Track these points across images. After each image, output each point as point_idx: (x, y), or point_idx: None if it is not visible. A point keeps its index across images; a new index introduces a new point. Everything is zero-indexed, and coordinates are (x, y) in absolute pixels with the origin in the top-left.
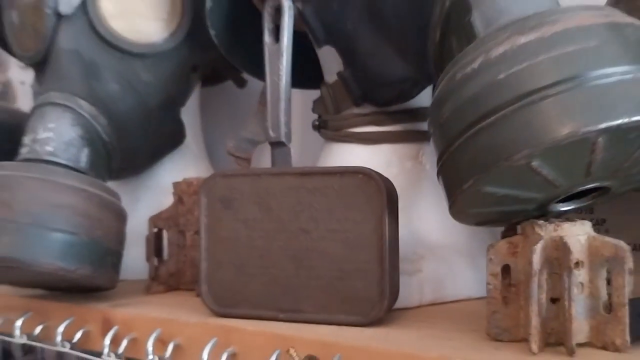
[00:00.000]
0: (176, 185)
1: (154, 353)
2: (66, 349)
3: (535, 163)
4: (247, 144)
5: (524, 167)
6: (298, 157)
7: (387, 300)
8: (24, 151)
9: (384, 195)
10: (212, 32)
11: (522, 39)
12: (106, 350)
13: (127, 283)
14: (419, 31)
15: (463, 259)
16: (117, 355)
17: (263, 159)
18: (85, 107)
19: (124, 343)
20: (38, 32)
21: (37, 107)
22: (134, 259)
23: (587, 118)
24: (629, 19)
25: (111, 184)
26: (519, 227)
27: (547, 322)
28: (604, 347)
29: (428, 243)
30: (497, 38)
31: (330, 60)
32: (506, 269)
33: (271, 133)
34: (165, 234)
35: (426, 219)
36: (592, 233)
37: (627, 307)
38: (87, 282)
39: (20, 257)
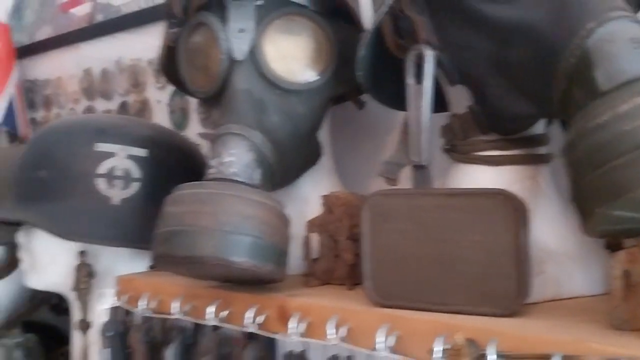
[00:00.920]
0: (326, 197)
1: (332, 334)
2: (252, 329)
3: None
4: (394, 167)
5: None
6: None
7: (523, 296)
8: (212, 172)
9: (520, 212)
10: (358, 74)
11: None
12: (293, 330)
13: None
14: (541, 77)
15: (575, 263)
16: (300, 335)
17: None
18: (256, 136)
19: (302, 326)
20: (212, 73)
21: (219, 136)
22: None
23: None
24: None
25: None
26: (629, 241)
27: None
28: None
29: (547, 249)
30: (622, 96)
31: (461, 96)
32: (626, 274)
33: (414, 157)
34: (313, 237)
35: (543, 229)
36: None
37: None
38: (268, 276)
39: (225, 256)
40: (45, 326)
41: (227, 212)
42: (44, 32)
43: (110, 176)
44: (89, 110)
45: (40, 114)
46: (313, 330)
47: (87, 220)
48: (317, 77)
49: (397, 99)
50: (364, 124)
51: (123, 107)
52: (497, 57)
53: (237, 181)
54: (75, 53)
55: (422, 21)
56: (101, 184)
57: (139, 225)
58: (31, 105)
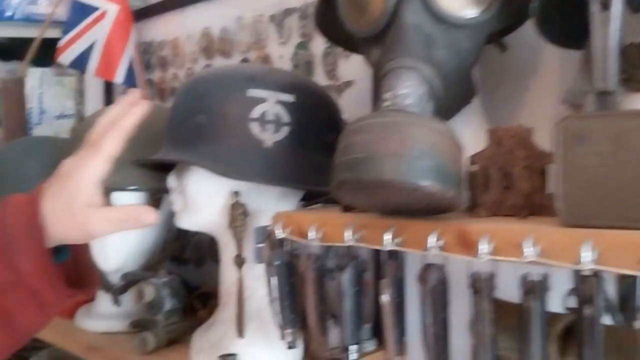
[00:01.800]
0: (493, 131)
1: (529, 252)
2: (433, 252)
3: None
4: (579, 94)
5: None
6: None
7: None
8: (386, 104)
9: None
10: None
11: None
12: (484, 251)
13: None
14: None
15: None
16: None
17: None
18: (427, 70)
19: (487, 247)
20: (377, 10)
21: (391, 70)
22: None
23: None
24: None
25: None
26: None
27: None
28: None
29: None
30: None
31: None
32: None
33: (599, 84)
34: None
35: None
36: None
37: None
38: (451, 202)
39: (413, 180)
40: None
41: (413, 139)
42: None
43: (262, 120)
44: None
45: (156, 75)
46: (500, 253)
47: (244, 161)
48: (483, 12)
49: (562, 35)
50: (506, 67)
51: None
52: None
53: (412, 112)
54: (193, 13)
55: None
56: (254, 128)
57: (289, 167)
58: (147, 66)
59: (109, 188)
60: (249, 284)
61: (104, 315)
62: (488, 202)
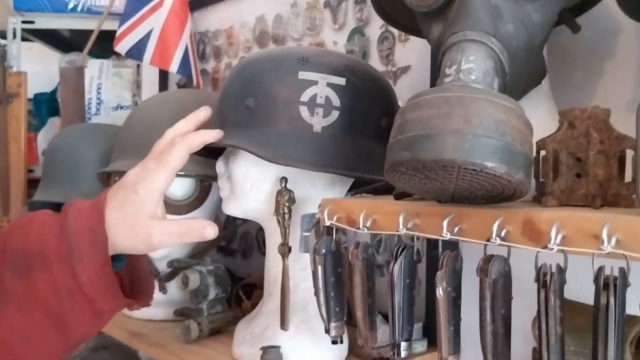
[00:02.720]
0: (566, 112)
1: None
2: (495, 243)
3: None
4: None
5: None
6: None
7: None
8: (448, 80)
9: None
10: None
11: None
12: (553, 242)
13: None
14: None
15: None
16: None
17: None
18: (494, 43)
19: (557, 238)
20: None
21: (454, 43)
22: None
23: None
24: None
25: None
26: None
27: None
28: None
29: None
30: None
31: None
32: None
33: None
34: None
35: None
36: None
37: None
38: (516, 188)
39: (478, 160)
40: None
41: (479, 115)
42: None
43: (312, 104)
44: None
45: (210, 65)
46: (571, 244)
47: (293, 146)
48: None
49: None
50: (577, 50)
51: None
52: None
53: (476, 88)
54: (248, 1)
55: None
56: (304, 112)
57: (339, 153)
58: (202, 56)
59: None
60: (294, 274)
61: None
62: (557, 191)
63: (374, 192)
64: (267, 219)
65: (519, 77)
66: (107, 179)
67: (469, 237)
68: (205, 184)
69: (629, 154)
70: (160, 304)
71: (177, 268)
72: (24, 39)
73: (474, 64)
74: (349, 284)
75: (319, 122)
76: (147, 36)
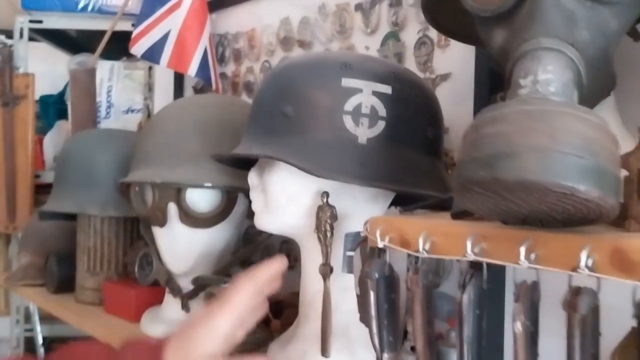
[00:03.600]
0: None
1: None
2: (583, 273)
3: None
4: None
5: None
6: None
7: None
8: (523, 91)
9: None
10: None
11: None
12: None
13: None
14: None
15: None
16: None
17: None
18: (573, 53)
19: None
20: None
21: (528, 52)
22: None
23: None
24: None
25: None
26: None
27: None
28: None
29: None
30: None
31: None
32: None
33: None
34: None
35: None
36: None
37: None
38: (606, 212)
39: (567, 182)
40: None
41: (565, 131)
42: None
43: (357, 113)
44: None
45: (230, 68)
46: None
47: (337, 158)
48: None
49: None
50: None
51: None
52: None
53: (556, 101)
54: (272, 3)
55: None
56: (348, 122)
57: (385, 166)
58: (220, 59)
59: (183, 184)
60: (334, 295)
61: (171, 321)
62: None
63: (420, 208)
64: (304, 235)
65: (591, 89)
66: (127, 189)
67: (548, 265)
68: (231, 196)
69: None
70: None
71: (201, 285)
72: (30, 39)
73: (552, 75)
74: (410, 312)
75: (364, 133)
76: (165, 38)
